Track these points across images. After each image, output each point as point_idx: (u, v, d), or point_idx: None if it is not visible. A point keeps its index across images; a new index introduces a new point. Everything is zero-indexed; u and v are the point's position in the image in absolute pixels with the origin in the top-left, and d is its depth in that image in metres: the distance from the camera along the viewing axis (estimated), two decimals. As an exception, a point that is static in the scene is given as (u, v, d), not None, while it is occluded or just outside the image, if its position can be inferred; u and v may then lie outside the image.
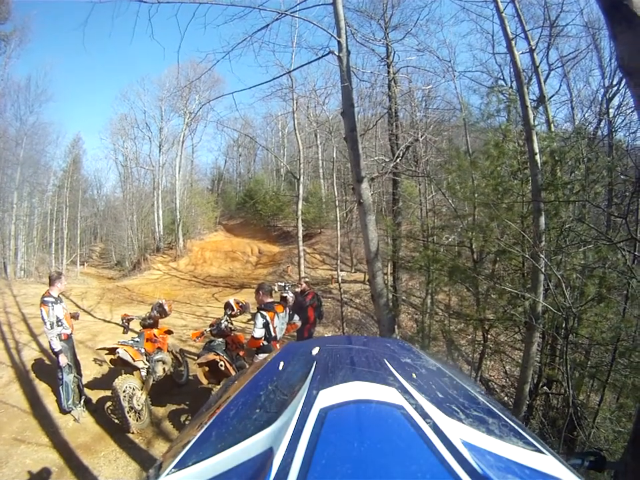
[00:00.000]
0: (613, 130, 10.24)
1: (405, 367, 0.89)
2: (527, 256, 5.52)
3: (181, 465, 0.67)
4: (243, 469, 0.60)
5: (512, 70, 8.16)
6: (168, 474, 0.65)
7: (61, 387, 5.06)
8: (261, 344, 4.54)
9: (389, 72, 10.69)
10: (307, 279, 7.40)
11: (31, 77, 24.60)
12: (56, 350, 4.86)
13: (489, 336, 6.80)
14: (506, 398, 8.41)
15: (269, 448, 0.61)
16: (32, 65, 41.48)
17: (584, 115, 12.49)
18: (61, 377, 5.02)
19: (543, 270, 5.13)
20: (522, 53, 6.35)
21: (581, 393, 6.01)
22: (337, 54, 5.10)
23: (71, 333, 5.27)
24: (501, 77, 12.72)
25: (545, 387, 6.35)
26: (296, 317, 5.27)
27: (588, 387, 6.14)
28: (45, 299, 4.90)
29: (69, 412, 5.10)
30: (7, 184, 22.15)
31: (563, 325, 5.25)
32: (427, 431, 0.60)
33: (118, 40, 52.44)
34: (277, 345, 4.72)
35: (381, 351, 1.03)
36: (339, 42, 5.08)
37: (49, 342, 4.91)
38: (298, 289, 6.90)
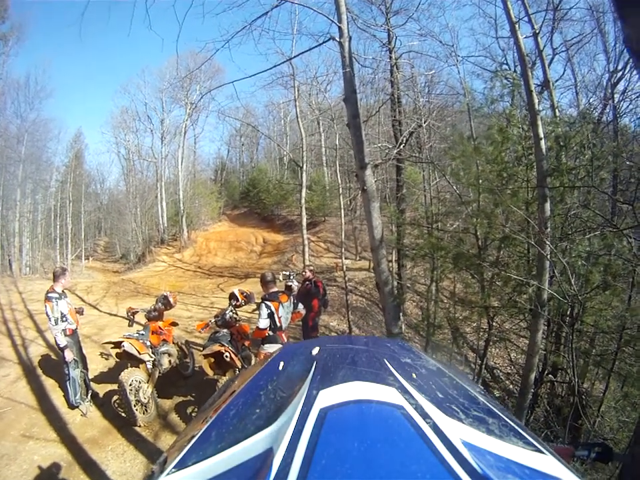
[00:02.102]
0: (618, 115, 10.14)
1: (405, 367, 0.89)
2: (532, 242, 5.48)
3: (181, 465, 0.67)
4: (243, 469, 0.60)
5: (516, 54, 8.04)
6: (168, 474, 0.66)
7: (67, 382, 5.11)
8: (267, 334, 4.55)
9: (390, 57, 10.55)
10: (311, 267, 7.37)
11: (30, 74, 24.65)
12: (61, 345, 4.91)
13: (494, 323, 6.80)
14: (511, 386, 8.45)
15: (269, 448, 0.61)
16: (30, 63, 41.25)
17: (589, 100, 12.38)
18: (67, 372, 5.07)
19: (548, 257, 5.10)
20: (525, 37, 6.21)
21: (585, 381, 6.02)
22: (338, 40, 5.03)
23: (76, 328, 5.31)
24: (505, 62, 12.50)
25: (550, 375, 6.36)
26: (300, 306, 5.27)
27: (593, 375, 6.15)
28: (49, 294, 4.94)
29: (77, 407, 5.18)
30: (9, 181, 22.27)
31: (568, 313, 5.23)
32: (427, 430, 0.61)
33: (116, 35, 52.35)
34: (283, 335, 4.74)
35: (381, 351, 1.03)
36: (339, 28, 5.01)
37: (55, 338, 4.95)
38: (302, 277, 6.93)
